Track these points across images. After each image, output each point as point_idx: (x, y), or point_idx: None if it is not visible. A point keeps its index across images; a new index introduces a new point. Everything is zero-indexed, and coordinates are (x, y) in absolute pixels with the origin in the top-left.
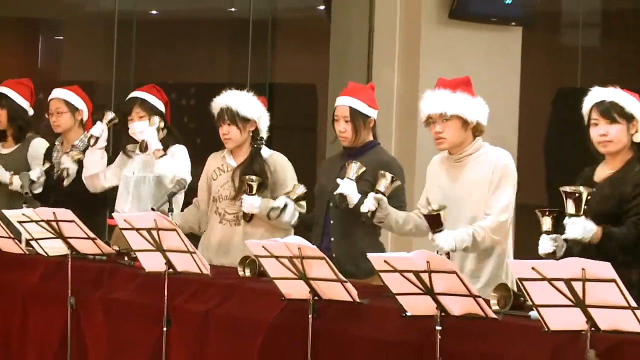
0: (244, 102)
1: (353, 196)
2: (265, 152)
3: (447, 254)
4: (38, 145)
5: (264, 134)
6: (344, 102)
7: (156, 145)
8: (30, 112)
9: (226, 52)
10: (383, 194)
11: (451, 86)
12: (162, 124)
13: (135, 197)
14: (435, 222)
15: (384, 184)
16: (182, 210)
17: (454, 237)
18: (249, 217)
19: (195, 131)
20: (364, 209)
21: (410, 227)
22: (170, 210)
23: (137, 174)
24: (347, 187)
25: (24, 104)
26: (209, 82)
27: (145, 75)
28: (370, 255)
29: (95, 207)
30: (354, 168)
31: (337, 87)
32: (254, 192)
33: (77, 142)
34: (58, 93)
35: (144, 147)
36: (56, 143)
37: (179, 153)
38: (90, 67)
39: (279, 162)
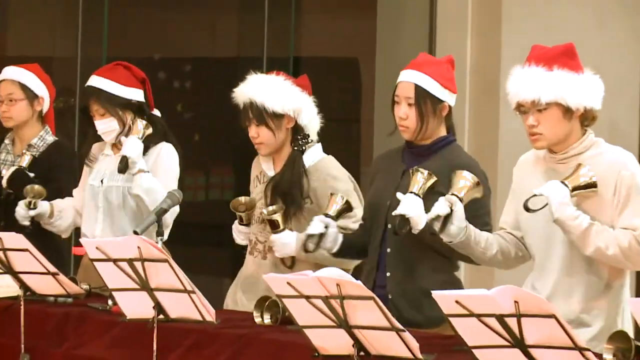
0: (272, 91)
1: (418, 219)
2: (313, 156)
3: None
4: None
5: (313, 129)
6: (408, 78)
7: (141, 165)
8: None
9: (234, 14)
10: (460, 199)
11: (547, 60)
12: (143, 124)
13: (108, 214)
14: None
15: (460, 185)
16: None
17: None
18: (289, 262)
19: (192, 124)
20: (432, 214)
21: (493, 252)
22: (160, 233)
23: (108, 182)
24: (411, 206)
25: None
26: (211, 57)
27: (122, 48)
28: (435, 294)
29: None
30: (420, 179)
31: (387, 61)
32: (282, 226)
33: (35, 141)
34: (10, 73)
35: (123, 165)
36: (5, 141)
37: (165, 155)
38: (46, 37)
39: (327, 172)
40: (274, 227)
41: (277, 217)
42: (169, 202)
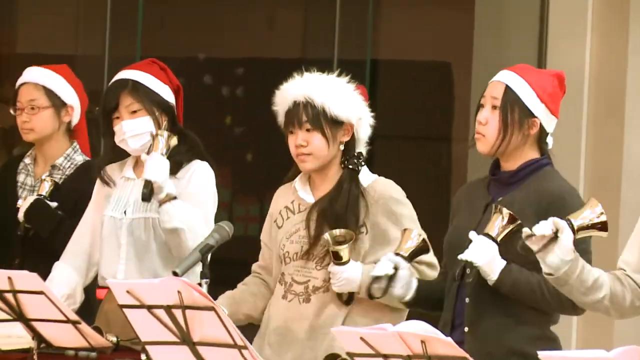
0: (335, 93)
1: (488, 268)
2: (366, 177)
3: None
4: None
5: (362, 147)
6: (500, 77)
7: (170, 189)
8: None
9: (298, 7)
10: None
11: None
12: (165, 135)
13: (133, 253)
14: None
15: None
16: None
17: None
18: (346, 297)
19: (244, 140)
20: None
21: (601, 295)
22: (205, 275)
23: (133, 214)
24: (480, 252)
25: None
26: (268, 58)
27: (159, 46)
28: (543, 355)
29: None
30: (499, 221)
31: (486, 66)
32: (346, 257)
33: (61, 161)
34: (33, 75)
35: (148, 191)
36: (25, 160)
37: (201, 175)
38: (67, 33)
39: (388, 195)
40: (338, 258)
41: (345, 248)
42: (217, 237)
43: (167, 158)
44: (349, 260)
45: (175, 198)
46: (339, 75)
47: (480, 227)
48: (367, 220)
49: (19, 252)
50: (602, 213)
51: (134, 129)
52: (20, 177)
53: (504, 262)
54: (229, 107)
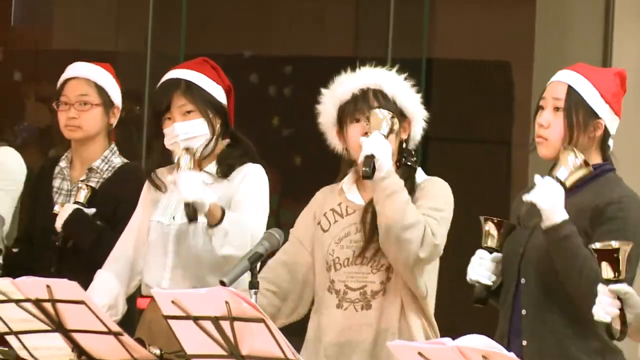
0: (403, 85)
1: (552, 212)
2: (420, 176)
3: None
4: (7, 158)
5: (413, 145)
6: (561, 77)
7: (210, 197)
8: None
9: (350, 2)
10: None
11: None
12: (189, 155)
13: (180, 261)
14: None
15: None
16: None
17: None
18: (371, 167)
19: (293, 143)
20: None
21: None
22: (254, 285)
23: (182, 219)
24: (548, 195)
25: None
26: (318, 57)
27: (204, 43)
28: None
29: None
30: (570, 162)
31: (548, 66)
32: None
33: (99, 164)
34: (84, 70)
35: (191, 212)
36: (61, 164)
37: (253, 178)
38: (107, 28)
39: (429, 187)
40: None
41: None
42: (267, 245)
43: (218, 162)
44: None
45: (223, 212)
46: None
47: (538, 234)
48: None
49: (55, 260)
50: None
51: (188, 132)
52: (56, 182)
53: (566, 215)
54: (276, 107)
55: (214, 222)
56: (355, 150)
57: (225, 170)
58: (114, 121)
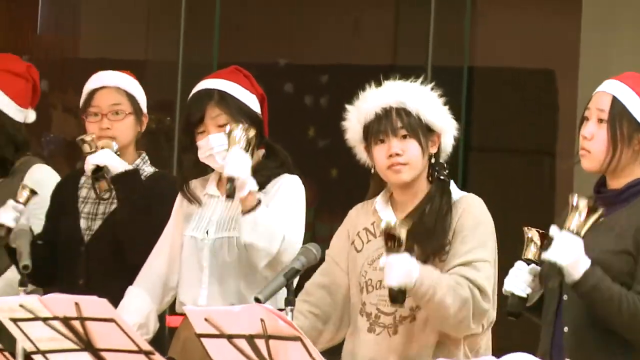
0: (427, 99)
1: (574, 267)
2: (456, 192)
3: None
4: (42, 178)
5: (445, 157)
6: (606, 88)
7: (251, 184)
8: (30, 118)
9: (388, 9)
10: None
11: None
12: (250, 136)
13: (217, 276)
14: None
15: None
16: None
17: None
18: (400, 296)
19: (329, 154)
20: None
21: None
22: (290, 302)
23: (216, 233)
24: (566, 251)
25: (15, 111)
26: (356, 65)
27: (237, 52)
28: None
29: None
30: (578, 210)
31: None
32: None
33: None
34: (113, 79)
35: (231, 189)
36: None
37: (289, 188)
38: (136, 36)
39: (474, 214)
40: (397, 243)
41: (401, 230)
42: (303, 260)
43: (254, 174)
44: (406, 250)
45: (259, 203)
46: (434, 83)
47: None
48: (451, 234)
49: (83, 271)
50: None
51: (223, 144)
52: (83, 192)
53: (588, 262)
54: (312, 117)
55: (247, 209)
56: (382, 172)
57: (261, 181)
58: (142, 129)
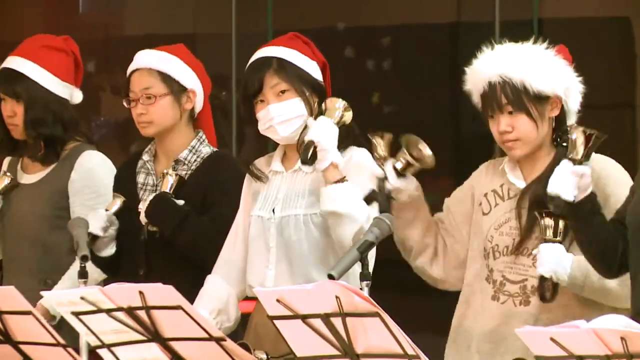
0: (534, 64)
1: None
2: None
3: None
4: (92, 167)
5: (573, 118)
6: None
7: (334, 155)
8: (77, 97)
9: None
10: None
11: None
12: (346, 117)
13: (284, 256)
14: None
15: None
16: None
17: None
18: (551, 290)
19: (395, 121)
20: None
21: None
22: (366, 276)
23: (283, 211)
24: None
25: (58, 86)
26: (420, 24)
27: (293, 18)
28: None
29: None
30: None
31: None
32: (558, 236)
33: (186, 154)
34: (145, 60)
35: (308, 155)
36: (144, 157)
37: (360, 162)
38: (185, 9)
39: (607, 174)
40: (554, 233)
41: (559, 220)
42: (377, 232)
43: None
44: (562, 241)
45: (344, 179)
46: (501, 38)
47: None
48: None
49: (143, 261)
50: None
51: (283, 113)
52: (140, 178)
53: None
54: (375, 82)
55: (330, 181)
56: (499, 145)
57: None
58: (190, 105)
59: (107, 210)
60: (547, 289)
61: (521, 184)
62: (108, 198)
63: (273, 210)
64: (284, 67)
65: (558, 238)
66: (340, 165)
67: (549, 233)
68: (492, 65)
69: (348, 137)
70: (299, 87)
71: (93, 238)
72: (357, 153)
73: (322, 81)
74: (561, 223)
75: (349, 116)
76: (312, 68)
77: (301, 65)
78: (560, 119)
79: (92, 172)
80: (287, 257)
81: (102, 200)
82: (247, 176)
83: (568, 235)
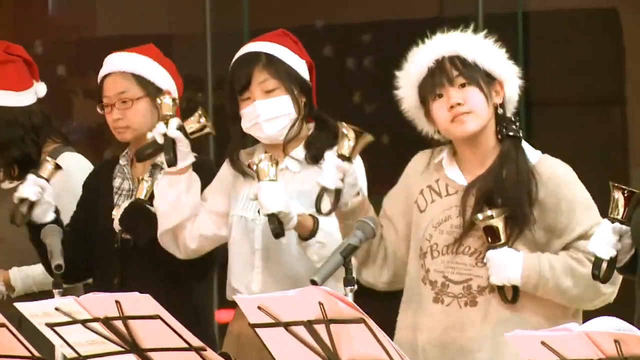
0: (483, 45)
1: None
2: (530, 153)
3: None
4: (72, 167)
5: (511, 113)
6: None
7: (295, 210)
8: (41, 92)
9: None
10: None
11: None
12: (268, 160)
13: (270, 259)
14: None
15: None
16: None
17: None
18: (511, 293)
19: (378, 120)
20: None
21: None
22: (350, 282)
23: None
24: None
25: (17, 98)
26: (400, 20)
27: (270, 16)
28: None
29: (194, 285)
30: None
31: None
32: (504, 238)
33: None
34: (118, 62)
35: (276, 226)
36: (120, 161)
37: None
38: (158, 9)
39: (558, 176)
40: (493, 237)
41: (499, 221)
42: (360, 235)
43: (306, 146)
44: (507, 242)
45: (315, 222)
46: (487, 33)
47: None
48: (535, 207)
49: (118, 269)
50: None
51: (270, 111)
52: (116, 182)
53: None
54: (356, 81)
55: (306, 234)
56: (445, 127)
57: (314, 155)
58: None
59: (39, 175)
60: (508, 293)
61: (461, 180)
62: None
63: (258, 211)
64: (273, 63)
65: (502, 241)
66: (302, 209)
67: (493, 238)
68: (438, 45)
69: (334, 138)
70: (287, 84)
71: (30, 205)
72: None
73: (309, 81)
74: (501, 224)
75: (277, 164)
76: (301, 66)
77: (290, 62)
78: (502, 108)
79: (71, 175)
80: (274, 260)
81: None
82: (227, 166)
83: (513, 232)
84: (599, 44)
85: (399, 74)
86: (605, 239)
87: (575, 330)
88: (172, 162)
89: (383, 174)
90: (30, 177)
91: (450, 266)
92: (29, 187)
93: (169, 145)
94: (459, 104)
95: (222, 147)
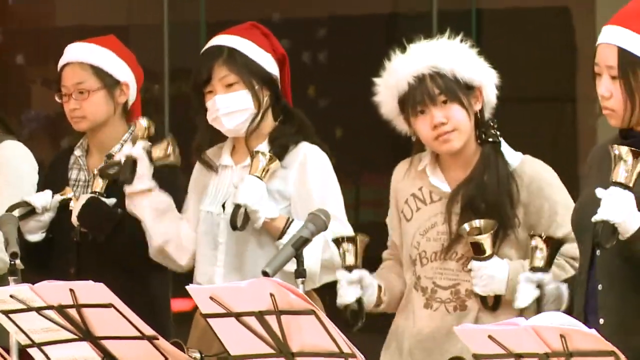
0: (460, 54)
1: (629, 222)
2: (511, 155)
3: None
4: (12, 155)
5: (490, 110)
6: (608, 38)
7: (266, 212)
8: None
9: None
10: None
11: None
12: (266, 156)
13: (233, 253)
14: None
15: None
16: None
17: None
18: (492, 301)
19: (332, 114)
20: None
21: None
22: (300, 274)
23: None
24: (618, 206)
25: None
26: (354, 16)
27: (227, 8)
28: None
29: (150, 276)
30: (625, 162)
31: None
32: (489, 251)
33: (118, 149)
34: (76, 53)
35: (236, 219)
36: (76, 152)
37: (314, 166)
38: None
39: (540, 177)
40: (479, 251)
41: (486, 238)
42: (312, 228)
43: (270, 142)
44: (492, 254)
45: (289, 222)
46: (440, 30)
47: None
48: (519, 209)
49: (74, 260)
50: None
51: (229, 106)
52: (73, 174)
53: None
54: (311, 75)
55: (277, 234)
56: (429, 143)
57: (277, 151)
58: (124, 99)
59: (60, 195)
60: (489, 300)
61: (445, 187)
62: (24, 191)
63: (223, 205)
64: (234, 58)
65: (487, 253)
66: (275, 214)
67: (479, 252)
68: (416, 59)
69: (299, 132)
70: (247, 79)
71: (30, 212)
72: (310, 153)
73: (275, 74)
74: (488, 241)
75: (275, 166)
76: (265, 60)
77: (253, 56)
78: (481, 113)
79: (10, 161)
80: (237, 253)
81: (16, 192)
82: (197, 164)
83: (497, 237)
84: (551, 42)
85: (378, 81)
86: (620, 202)
87: (522, 324)
88: (128, 181)
89: (341, 167)
90: (48, 193)
91: (439, 272)
92: (41, 200)
93: (128, 165)
94: (442, 123)
95: (180, 139)
